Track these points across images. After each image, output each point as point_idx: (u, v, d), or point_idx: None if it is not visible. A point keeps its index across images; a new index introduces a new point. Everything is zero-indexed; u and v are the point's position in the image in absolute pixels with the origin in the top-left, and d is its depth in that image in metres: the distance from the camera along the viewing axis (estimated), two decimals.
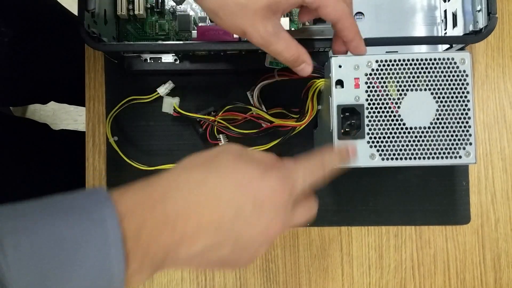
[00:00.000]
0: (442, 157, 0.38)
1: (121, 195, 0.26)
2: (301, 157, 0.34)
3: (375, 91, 0.38)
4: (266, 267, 0.53)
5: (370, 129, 0.38)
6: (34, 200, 0.25)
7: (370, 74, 0.38)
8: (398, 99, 0.38)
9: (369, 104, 0.38)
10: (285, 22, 0.50)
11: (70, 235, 0.23)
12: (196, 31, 0.48)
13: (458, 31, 0.49)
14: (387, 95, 0.38)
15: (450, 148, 0.38)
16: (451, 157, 0.38)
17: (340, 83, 0.38)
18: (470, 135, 0.38)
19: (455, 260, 0.53)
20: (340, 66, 0.38)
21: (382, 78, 0.38)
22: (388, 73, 0.38)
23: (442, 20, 0.52)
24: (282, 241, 0.53)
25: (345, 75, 0.38)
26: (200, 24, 0.51)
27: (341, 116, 0.38)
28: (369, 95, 0.38)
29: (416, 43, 0.48)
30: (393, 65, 0.38)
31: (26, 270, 0.22)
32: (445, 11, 0.51)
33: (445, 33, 0.51)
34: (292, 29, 0.51)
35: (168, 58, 0.50)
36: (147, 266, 0.26)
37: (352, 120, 0.39)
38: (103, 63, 0.53)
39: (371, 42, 0.41)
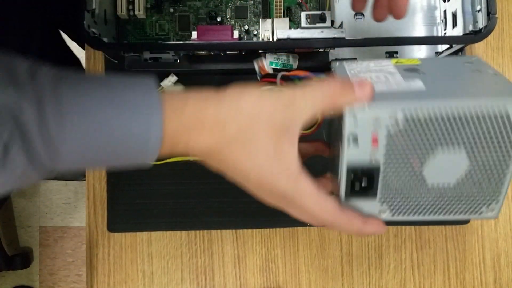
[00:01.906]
0: (461, 213, 0.33)
1: (172, 101, 0.30)
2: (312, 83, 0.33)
3: (397, 151, 0.30)
4: (266, 267, 0.53)
5: (384, 189, 0.32)
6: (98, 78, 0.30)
7: (394, 132, 0.30)
8: (423, 156, 0.31)
9: (387, 165, 0.31)
10: (285, 22, 0.50)
11: (119, 125, 0.28)
12: (196, 31, 0.48)
13: (458, 31, 0.49)
14: (410, 152, 0.30)
15: (474, 205, 0.33)
16: (470, 213, 0.33)
17: (354, 139, 0.30)
18: (500, 193, 0.32)
19: (455, 260, 0.53)
20: (355, 117, 0.30)
21: (408, 136, 0.30)
22: (417, 130, 0.30)
23: (442, 20, 0.52)
24: (282, 240, 0.53)
25: (361, 129, 0.30)
26: (200, 24, 0.51)
27: (351, 176, 0.32)
28: (389, 156, 0.31)
29: (416, 43, 0.48)
30: (424, 120, 0.29)
31: (75, 144, 0.27)
32: (445, 11, 0.51)
33: (445, 33, 0.51)
34: (292, 29, 0.51)
35: (168, 58, 0.50)
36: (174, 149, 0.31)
37: (363, 182, 0.32)
38: (103, 63, 0.53)
39: (371, 42, 0.41)
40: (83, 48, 0.75)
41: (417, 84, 0.31)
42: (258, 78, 0.49)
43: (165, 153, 0.30)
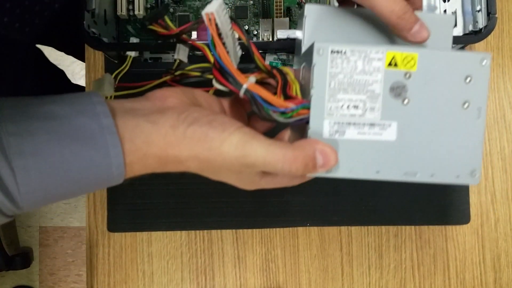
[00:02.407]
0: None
1: (125, 123, 0.28)
2: None
3: None
4: (266, 267, 0.53)
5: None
6: (36, 104, 0.27)
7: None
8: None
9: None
10: (285, 22, 0.50)
11: (75, 162, 0.26)
12: (196, 31, 0.48)
13: (458, 31, 0.49)
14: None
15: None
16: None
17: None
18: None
19: (455, 260, 0.53)
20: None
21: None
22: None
23: None
24: (282, 240, 0.53)
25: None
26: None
27: None
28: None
29: None
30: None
31: (34, 189, 0.25)
32: (445, 11, 0.51)
33: None
34: (292, 29, 0.51)
35: (168, 58, 0.50)
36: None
37: None
38: (103, 63, 0.53)
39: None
40: (73, 55, 0.75)
41: (390, 134, 0.30)
42: None
43: (137, 170, 0.30)
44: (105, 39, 0.46)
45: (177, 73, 0.37)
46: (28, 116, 0.26)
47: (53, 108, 0.27)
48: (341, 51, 0.29)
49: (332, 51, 0.29)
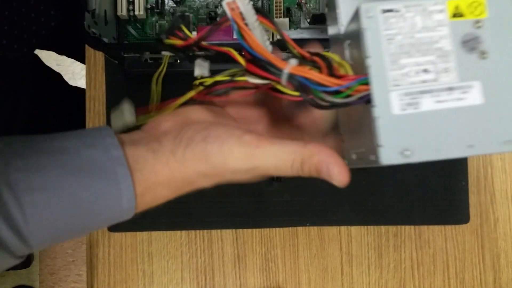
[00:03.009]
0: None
1: (132, 154, 0.27)
2: None
3: None
4: (266, 266, 0.53)
5: None
6: (46, 140, 0.27)
7: None
8: None
9: None
10: (284, 22, 0.50)
11: (85, 195, 0.25)
12: (196, 32, 0.48)
13: None
14: None
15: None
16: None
17: None
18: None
19: (455, 259, 0.54)
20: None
21: None
22: None
23: None
24: (281, 240, 0.53)
25: None
26: (200, 25, 0.51)
27: None
28: None
29: None
30: None
31: (44, 225, 0.25)
32: None
33: None
34: (292, 29, 0.51)
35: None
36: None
37: None
38: (103, 63, 0.53)
39: None
40: (76, 58, 0.75)
41: (475, 96, 0.24)
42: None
43: (148, 201, 0.29)
44: (105, 39, 0.46)
45: (205, 82, 0.32)
46: (37, 151, 0.26)
47: (62, 142, 0.26)
48: (394, 9, 0.24)
49: (383, 11, 0.24)
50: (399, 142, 0.24)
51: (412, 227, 0.54)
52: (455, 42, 0.24)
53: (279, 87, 0.26)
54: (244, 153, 0.27)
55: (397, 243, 0.53)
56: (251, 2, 0.27)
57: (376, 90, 0.24)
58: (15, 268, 1.20)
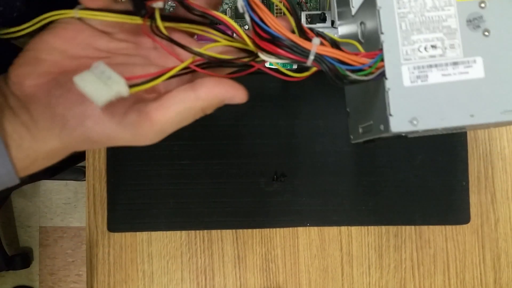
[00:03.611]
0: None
1: (6, 125, 0.26)
2: None
3: None
4: (266, 267, 0.53)
5: None
6: None
7: None
8: None
9: None
10: None
11: None
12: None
13: None
14: None
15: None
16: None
17: None
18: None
19: (455, 260, 0.53)
20: None
21: None
22: None
23: None
24: (282, 240, 0.53)
25: None
26: None
27: None
28: None
29: None
30: None
31: None
32: None
33: None
34: None
35: None
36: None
37: None
38: None
39: None
40: None
41: (477, 70, 0.27)
42: None
43: (33, 169, 0.27)
44: None
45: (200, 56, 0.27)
46: None
47: None
48: None
49: None
50: (408, 111, 0.26)
51: (413, 227, 0.53)
52: (461, 21, 0.27)
53: (284, 70, 0.27)
54: (131, 135, 0.25)
55: (398, 244, 0.53)
56: None
57: (388, 64, 0.26)
58: (14, 268, 1.20)
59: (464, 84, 0.27)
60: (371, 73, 0.26)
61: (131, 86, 0.24)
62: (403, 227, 0.53)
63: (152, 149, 0.53)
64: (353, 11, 0.32)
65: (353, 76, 0.26)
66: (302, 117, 0.53)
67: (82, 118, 0.25)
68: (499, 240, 0.54)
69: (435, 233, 0.53)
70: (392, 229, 0.53)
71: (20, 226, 1.25)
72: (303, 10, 0.51)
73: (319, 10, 0.49)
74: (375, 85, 0.28)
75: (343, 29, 0.36)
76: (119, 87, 0.23)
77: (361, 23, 0.30)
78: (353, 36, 0.32)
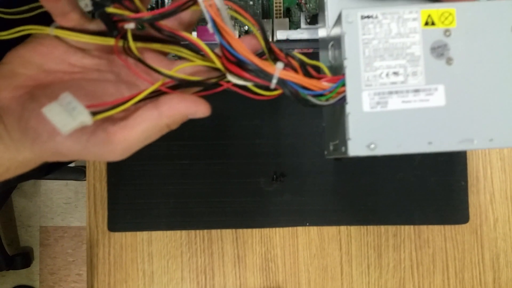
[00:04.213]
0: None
1: None
2: None
3: None
4: (266, 266, 0.53)
5: None
6: None
7: None
8: None
9: None
10: (284, 23, 0.50)
11: None
12: (196, 32, 0.48)
13: None
14: None
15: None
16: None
17: None
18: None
19: (454, 259, 0.54)
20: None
21: None
22: None
23: None
24: (281, 240, 0.53)
25: None
26: (200, 25, 0.51)
27: None
28: None
29: None
30: None
31: None
32: None
33: None
34: (292, 29, 0.51)
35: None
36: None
37: None
38: None
39: None
40: None
41: (438, 98, 0.27)
42: None
43: (12, 174, 0.28)
44: None
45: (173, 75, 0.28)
46: None
47: None
48: (372, 16, 0.27)
49: (362, 17, 0.27)
50: (366, 136, 0.27)
51: (412, 227, 0.54)
52: (425, 48, 0.27)
53: (253, 88, 0.28)
54: (99, 151, 0.26)
55: (397, 243, 0.54)
56: None
57: (350, 89, 0.26)
58: (15, 268, 1.20)
59: (424, 112, 0.27)
60: (332, 97, 0.27)
61: (95, 114, 0.25)
62: (402, 226, 0.54)
63: (152, 149, 0.53)
64: (329, 31, 0.32)
65: (314, 100, 0.26)
66: (302, 117, 0.53)
67: (53, 134, 0.25)
68: (498, 240, 0.54)
69: (434, 233, 0.54)
70: (391, 228, 0.54)
71: (20, 225, 1.26)
72: (302, 11, 0.51)
73: (319, 11, 0.50)
74: (341, 108, 0.28)
75: (323, 50, 0.36)
76: (83, 117, 0.24)
77: (332, 45, 0.31)
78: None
